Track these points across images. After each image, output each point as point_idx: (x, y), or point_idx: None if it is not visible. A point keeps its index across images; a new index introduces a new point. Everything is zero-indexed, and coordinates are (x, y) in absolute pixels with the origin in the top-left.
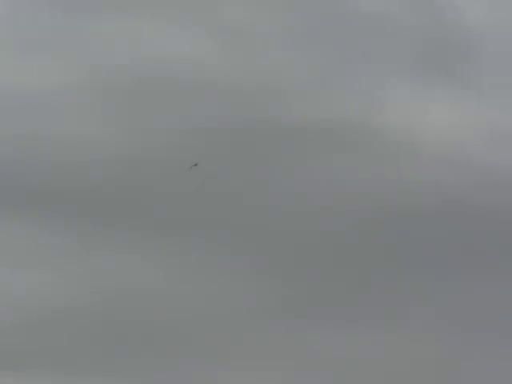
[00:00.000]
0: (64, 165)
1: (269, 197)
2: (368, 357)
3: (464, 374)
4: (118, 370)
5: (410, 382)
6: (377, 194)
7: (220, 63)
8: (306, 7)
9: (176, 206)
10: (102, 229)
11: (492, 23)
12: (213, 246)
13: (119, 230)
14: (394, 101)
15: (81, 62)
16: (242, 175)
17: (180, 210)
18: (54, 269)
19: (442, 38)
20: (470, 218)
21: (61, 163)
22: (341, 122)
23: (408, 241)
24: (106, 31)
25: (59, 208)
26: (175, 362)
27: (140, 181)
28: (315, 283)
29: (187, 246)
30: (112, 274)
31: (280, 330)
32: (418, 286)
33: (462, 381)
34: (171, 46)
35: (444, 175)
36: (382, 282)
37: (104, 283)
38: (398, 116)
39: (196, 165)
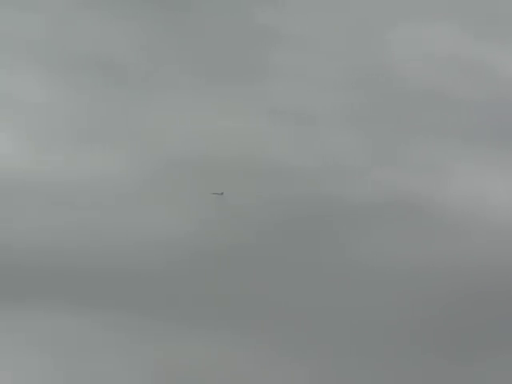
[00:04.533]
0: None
1: (337, 269)
2: None
3: None
4: None
5: None
6: (444, 269)
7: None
8: (366, 87)
9: (237, 298)
10: (154, 321)
11: None
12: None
13: (178, 322)
14: (457, 174)
15: (132, 151)
16: (309, 250)
17: (241, 303)
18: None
19: (503, 112)
20: None
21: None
22: (405, 196)
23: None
24: (157, 121)
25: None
26: None
27: (198, 269)
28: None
29: (246, 338)
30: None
31: None
32: None
33: None
34: (235, 127)
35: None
36: None
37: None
38: (462, 188)
39: (222, 194)
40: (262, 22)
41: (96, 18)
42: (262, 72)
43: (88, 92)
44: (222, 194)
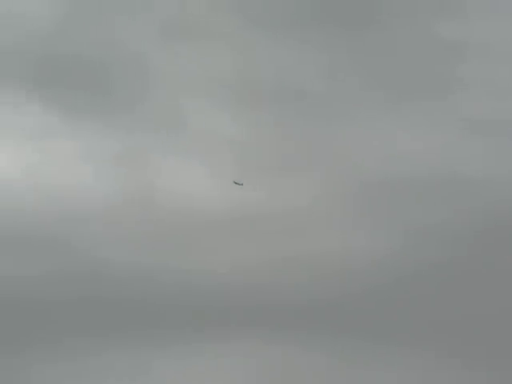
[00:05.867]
0: None
1: None
2: None
3: None
4: None
5: None
6: None
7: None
8: None
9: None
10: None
11: None
12: None
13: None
14: None
15: (327, 176)
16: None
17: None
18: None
19: None
20: None
21: None
22: None
23: None
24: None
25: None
26: None
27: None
28: None
29: None
30: None
31: None
32: None
33: None
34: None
35: None
36: None
37: None
38: None
39: (242, 184)
40: (446, 35)
41: (276, 44)
42: (451, 85)
43: (274, 118)
44: (242, 184)
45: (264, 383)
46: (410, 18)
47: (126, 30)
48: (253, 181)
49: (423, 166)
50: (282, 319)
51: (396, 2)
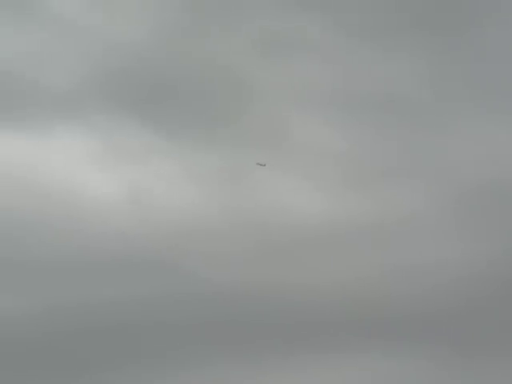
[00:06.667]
0: None
1: None
2: None
3: None
4: None
5: None
6: None
7: None
8: None
9: None
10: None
11: None
12: None
13: None
14: None
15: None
16: None
17: None
18: None
19: None
20: None
21: None
22: None
23: None
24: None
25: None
26: None
27: None
28: None
29: None
30: None
31: None
32: None
33: None
34: None
35: None
36: None
37: None
38: None
39: (265, 165)
40: None
41: (376, 54)
42: None
43: (376, 131)
44: (264, 165)
45: None
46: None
47: (223, 43)
48: (357, 193)
49: None
50: (400, 331)
51: (498, 3)
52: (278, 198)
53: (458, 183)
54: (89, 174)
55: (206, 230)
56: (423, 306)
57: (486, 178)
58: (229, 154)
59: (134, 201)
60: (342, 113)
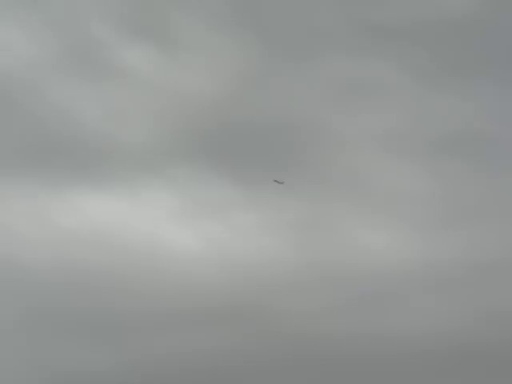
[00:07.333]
0: None
1: None
2: None
3: None
4: None
5: None
6: None
7: None
8: None
9: None
10: None
11: None
12: None
13: None
14: None
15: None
16: None
17: None
18: None
19: None
20: None
21: None
22: None
23: None
24: None
25: None
26: None
27: None
28: None
29: None
30: None
31: None
32: None
33: None
34: None
35: None
36: None
37: None
38: None
39: (282, 183)
40: None
41: (443, 95)
42: None
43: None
44: (283, 183)
45: None
46: None
47: (301, 91)
48: (442, 233)
49: None
50: None
51: None
52: (359, 243)
53: None
54: (172, 229)
55: (285, 280)
56: None
57: None
58: (304, 205)
59: (213, 251)
60: (420, 153)
